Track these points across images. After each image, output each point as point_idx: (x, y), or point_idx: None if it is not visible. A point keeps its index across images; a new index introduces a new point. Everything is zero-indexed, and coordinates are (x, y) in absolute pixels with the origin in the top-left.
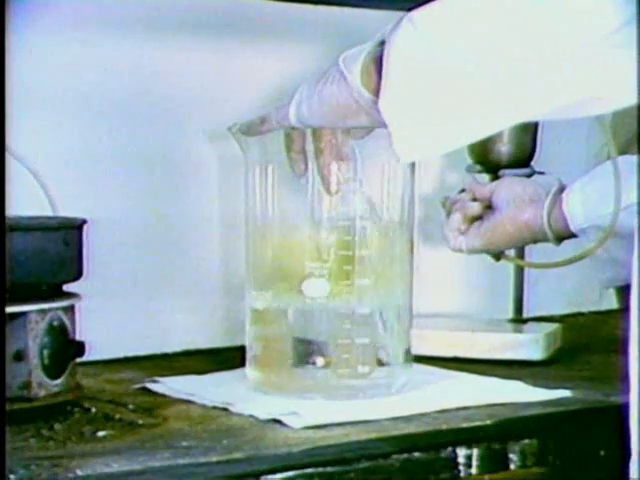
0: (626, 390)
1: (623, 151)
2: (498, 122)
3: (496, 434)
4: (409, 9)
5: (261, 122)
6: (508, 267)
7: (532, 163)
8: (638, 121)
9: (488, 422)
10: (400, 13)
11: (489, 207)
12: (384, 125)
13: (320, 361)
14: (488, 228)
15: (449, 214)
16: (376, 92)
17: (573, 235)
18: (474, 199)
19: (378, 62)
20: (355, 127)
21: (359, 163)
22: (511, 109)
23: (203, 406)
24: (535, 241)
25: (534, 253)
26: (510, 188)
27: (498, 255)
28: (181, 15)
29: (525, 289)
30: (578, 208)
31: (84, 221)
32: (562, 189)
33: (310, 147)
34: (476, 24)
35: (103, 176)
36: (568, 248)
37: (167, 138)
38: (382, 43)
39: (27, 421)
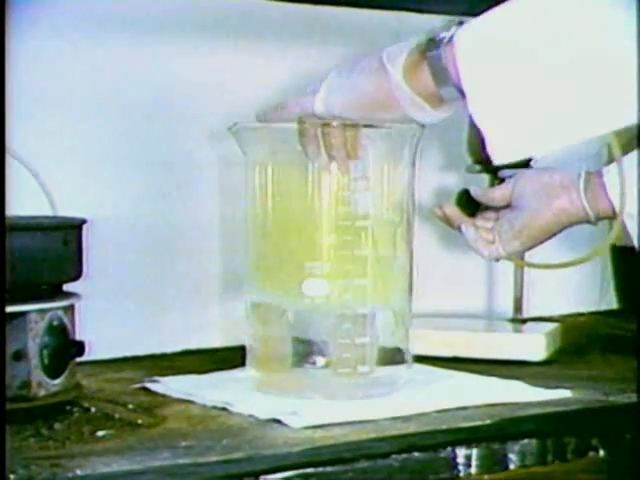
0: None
1: (624, 150)
2: (590, 127)
3: (495, 434)
4: (410, 9)
5: (280, 108)
6: (508, 267)
7: (532, 163)
8: (638, 121)
9: (488, 422)
10: (397, 13)
11: (503, 208)
12: (413, 121)
13: (320, 361)
14: (522, 226)
15: (448, 223)
16: (418, 87)
17: (614, 216)
18: (475, 204)
19: (430, 60)
20: (385, 121)
21: (369, 162)
22: (601, 116)
23: (203, 406)
24: (572, 225)
25: (534, 254)
26: (536, 179)
27: None
28: (182, 16)
29: (525, 289)
30: (626, 195)
31: (84, 221)
32: (589, 172)
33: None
34: (553, 27)
35: (103, 176)
36: (566, 250)
37: (167, 138)
38: (431, 41)
39: (27, 421)
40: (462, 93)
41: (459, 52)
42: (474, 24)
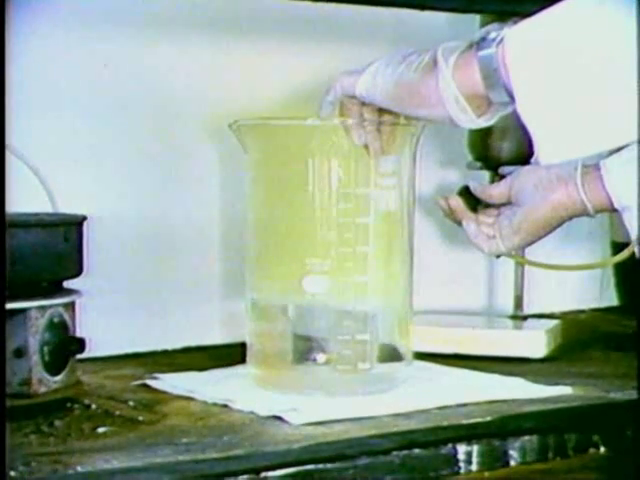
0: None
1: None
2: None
3: (496, 431)
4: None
5: (326, 92)
6: (508, 264)
7: (532, 160)
8: (639, 120)
9: (488, 418)
10: (397, 10)
11: (503, 205)
12: (452, 123)
13: (320, 357)
14: (521, 221)
15: (449, 216)
16: (465, 86)
17: (613, 209)
18: (475, 199)
19: (481, 60)
20: (422, 118)
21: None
22: None
23: (203, 402)
24: (571, 218)
25: (535, 248)
26: (533, 174)
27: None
28: (183, 13)
29: (525, 286)
30: (623, 187)
31: (84, 218)
32: (586, 165)
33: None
34: (604, 30)
35: (103, 173)
36: (567, 245)
37: (168, 135)
38: (483, 41)
39: (27, 417)
40: (510, 96)
41: (509, 52)
42: (525, 25)
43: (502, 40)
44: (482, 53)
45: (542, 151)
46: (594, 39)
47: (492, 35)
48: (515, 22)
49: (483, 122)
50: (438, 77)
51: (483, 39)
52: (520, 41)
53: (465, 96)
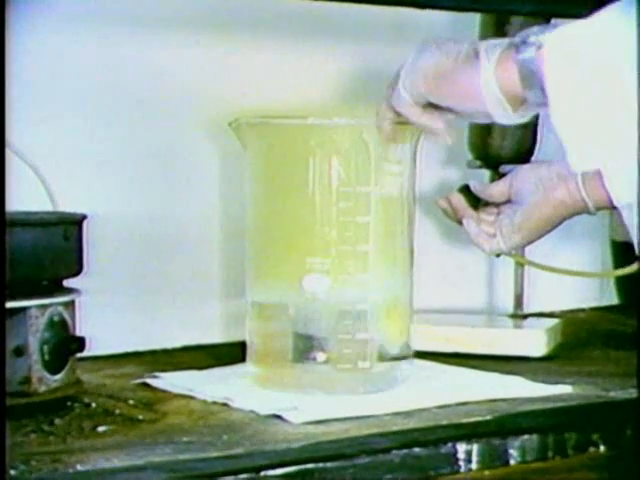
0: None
1: None
2: None
3: (496, 429)
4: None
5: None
6: (508, 262)
7: (532, 158)
8: (639, 120)
9: (488, 417)
10: (399, 9)
11: (503, 203)
12: (487, 116)
13: (320, 356)
14: (522, 220)
15: (449, 216)
16: (505, 86)
17: (614, 207)
18: (475, 198)
19: (520, 63)
20: (453, 107)
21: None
22: None
23: (203, 401)
24: (572, 216)
25: (535, 250)
26: (533, 172)
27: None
28: (182, 11)
29: (525, 284)
30: (623, 185)
31: (84, 216)
32: None
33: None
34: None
35: (103, 171)
36: (566, 242)
37: (168, 133)
38: (523, 44)
39: (27, 416)
40: (547, 97)
41: (547, 59)
42: (565, 32)
43: (541, 46)
44: (521, 56)
45: (572, 158)
46: (631, 50)
47: (532, 39)
48: (554, 26)
49: (518, 118)
50: (480, 72)
51: (523, 42)
52: (559, 49)
53: (504, 93)
